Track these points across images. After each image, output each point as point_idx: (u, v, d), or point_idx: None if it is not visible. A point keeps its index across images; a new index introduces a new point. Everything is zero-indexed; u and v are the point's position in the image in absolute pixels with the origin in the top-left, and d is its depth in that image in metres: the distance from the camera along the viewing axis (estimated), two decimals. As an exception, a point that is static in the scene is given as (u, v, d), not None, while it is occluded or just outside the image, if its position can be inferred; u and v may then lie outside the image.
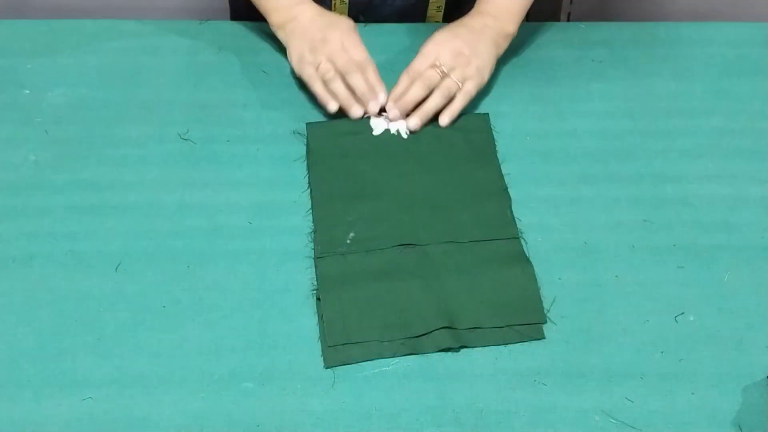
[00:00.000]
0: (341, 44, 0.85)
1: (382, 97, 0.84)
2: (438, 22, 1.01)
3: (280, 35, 0.90)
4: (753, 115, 0.87)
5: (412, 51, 0.91)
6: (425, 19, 1.01)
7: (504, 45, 0.89)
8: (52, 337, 0.67)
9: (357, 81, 0.83)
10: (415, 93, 0.83)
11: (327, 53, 0.84)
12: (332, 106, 0.84)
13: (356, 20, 0.91)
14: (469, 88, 0.84)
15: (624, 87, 0.89)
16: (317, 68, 0.84)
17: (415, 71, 0.84)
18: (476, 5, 0.91)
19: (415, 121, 0.82)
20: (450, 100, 0.84)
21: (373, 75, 0.85)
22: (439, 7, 0.99)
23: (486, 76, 0.86)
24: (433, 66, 0.83)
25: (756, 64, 0.92)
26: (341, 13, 0.97)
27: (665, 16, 1.24)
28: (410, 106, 0.83)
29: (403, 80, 0.84)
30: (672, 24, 0.98)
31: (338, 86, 0.84)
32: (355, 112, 0.83)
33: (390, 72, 0.89)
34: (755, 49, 0.94)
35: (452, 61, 0.84)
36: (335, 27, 0.86)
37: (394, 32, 0.95)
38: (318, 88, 0.84)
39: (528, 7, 0.90)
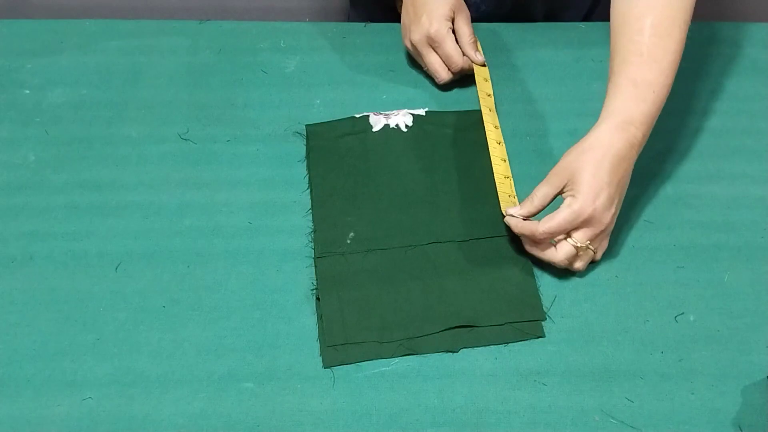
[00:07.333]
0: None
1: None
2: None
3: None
4: (753, 115, 0.87)
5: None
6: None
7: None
8: (52, 337, 0.67)
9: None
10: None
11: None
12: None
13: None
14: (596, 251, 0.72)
15: (624, 87, 0.89)
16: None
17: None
18: (609, 108, 0.72)
19: None
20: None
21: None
22: None
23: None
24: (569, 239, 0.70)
25: (756, 64, 0.92)
26: None
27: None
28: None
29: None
30: (672, 24, 0.98)
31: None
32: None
33: (390, 72, 0.89)
34: (755, 49, 0.94)
35: (587, 234, 0.70)
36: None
37: (396, 32, 0.95)
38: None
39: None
